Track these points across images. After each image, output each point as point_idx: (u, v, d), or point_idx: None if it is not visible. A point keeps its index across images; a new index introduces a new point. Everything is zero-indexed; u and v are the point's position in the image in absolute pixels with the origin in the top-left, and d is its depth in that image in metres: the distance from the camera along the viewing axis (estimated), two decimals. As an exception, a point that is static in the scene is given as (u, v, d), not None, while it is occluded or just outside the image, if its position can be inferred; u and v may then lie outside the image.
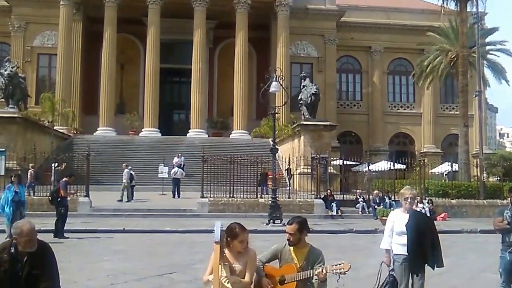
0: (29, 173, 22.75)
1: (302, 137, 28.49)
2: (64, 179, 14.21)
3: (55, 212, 13.85)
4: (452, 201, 22.73)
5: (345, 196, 23.50)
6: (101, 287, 7.72)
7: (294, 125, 30.79)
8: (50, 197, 14.02)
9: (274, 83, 19.12)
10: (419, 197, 17.97)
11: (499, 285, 6.52)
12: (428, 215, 16.77)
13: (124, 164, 24.81)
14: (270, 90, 19.59)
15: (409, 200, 5.94)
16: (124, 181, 23.46)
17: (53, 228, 13.41)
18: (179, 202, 22.92)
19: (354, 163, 28.05)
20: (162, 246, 12.57)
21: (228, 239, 4.33)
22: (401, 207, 6.08)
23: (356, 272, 7.58)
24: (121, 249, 11.82)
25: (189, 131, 38.79)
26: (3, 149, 25.16)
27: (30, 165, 23.45)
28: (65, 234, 13.48)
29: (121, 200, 22.56)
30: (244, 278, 4.28)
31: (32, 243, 4.19)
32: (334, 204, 20.92)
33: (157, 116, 39.29)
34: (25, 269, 4.19)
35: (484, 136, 34.96)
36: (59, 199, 13.68)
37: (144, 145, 35.30)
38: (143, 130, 38.54)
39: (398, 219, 6.01)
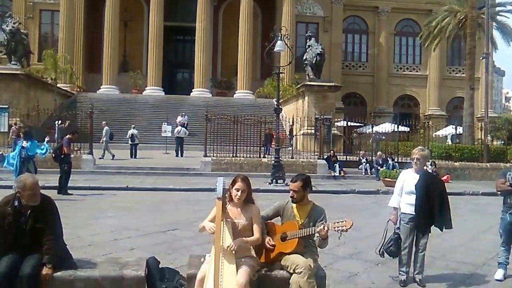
0: (11, 130, 22.70)
1: (306, 98, 28.32)
2: (67, 136, 14.20)
3: (58, 169, 13.92)
4: (455, 163, 22.73)
5: (348, 157, 23.54)
6: (104, 242, 7.80)
7: (299, 86, 30.59)
8: (53, 154, 14.05)
9: (279, 42, 18.82)
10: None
11: (499, 245, 6.57)
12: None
13: (104, 122, 24.64)
14: (275, 49, 19.31)
15: (420, 160, 5.99)
16: (104, 138, 23.43)
17: (57, 184, 13.50)
18: (182, 161, 23.01)
19: (358, 124, 27.92)
20: (165, 203, 12.66)
21: (230, 185, 4.38)
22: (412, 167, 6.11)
23: (357, 232, 7.65)
24: (124, 206, 11.92)
25: (193, 90, 38.63)
26: (6, 106, 25.16)
27: (13, 121, 23.41)
28: (69, 191, 13.58)
29: (102, 158, 22.44)
30: (247, 232, 4.30)
31: (35, 197, 4.23)
32: (337, 165, 20.95)
33: (161, 75, 39.08)
34: (28, 222, 4.24)
35: (490, 99, 34.66)
36: (62, 156, 13.72)
37: (147, 104, 35.25)
38: (146, 88, 38.42)
39: (408, 178, 6.06)
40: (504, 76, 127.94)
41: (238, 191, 4.35)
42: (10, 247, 4.21)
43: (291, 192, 4.64)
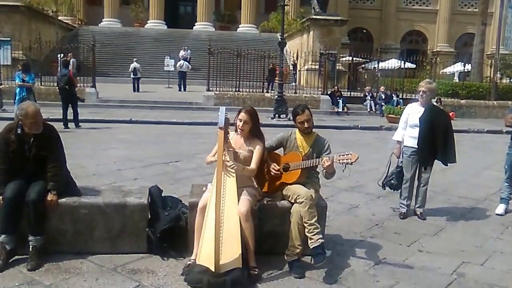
0: None
1: (311, 32, 27.74)
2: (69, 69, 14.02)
3: (60, 102, 13.78)
4: (461, 101, 22.54)
5: (352, 93, 23.34)
6: (108, 172, 7.89)
7: (304, 20, 29.88)
8: (67, 86, 13.71)
9: (285, -28, 18.18)
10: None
11: (502, 181, 6.57)
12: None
13: (69, 54, 24.01)
14: (280, -20, 18.70)
15: (427, 93, 5.86)
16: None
17: (61, 117, 13.40)
18: (185, 95, 22.91)
19: (363, 60, 27.44)
20: (168, 136, 12.71)
21: (236, 115, 4.39)
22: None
23: (359, 165, 7.67)
24: (128, 138, 11.97)
25: (196, 24, 37.90)
26: (9, 39, 24.75)
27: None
28: (71, 123, 13.56)
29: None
30: (248, 166, 4.29)
31: (37, 125, 4.22)
32: (340, 101, 20.82)
33: (163, 8, 38.23)
34: (32, 150, 4.25)
35: (502, 36, 33.70)
36: (73, 88, 13.62)
37: (149, 37, 34.68)
38: (148, 22, 37.72)
39: (413, 111, 5.98)
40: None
41: (240, 121, 4.33)
42: (16, 173, 4.25)
43: (305, 123, 4.48)
